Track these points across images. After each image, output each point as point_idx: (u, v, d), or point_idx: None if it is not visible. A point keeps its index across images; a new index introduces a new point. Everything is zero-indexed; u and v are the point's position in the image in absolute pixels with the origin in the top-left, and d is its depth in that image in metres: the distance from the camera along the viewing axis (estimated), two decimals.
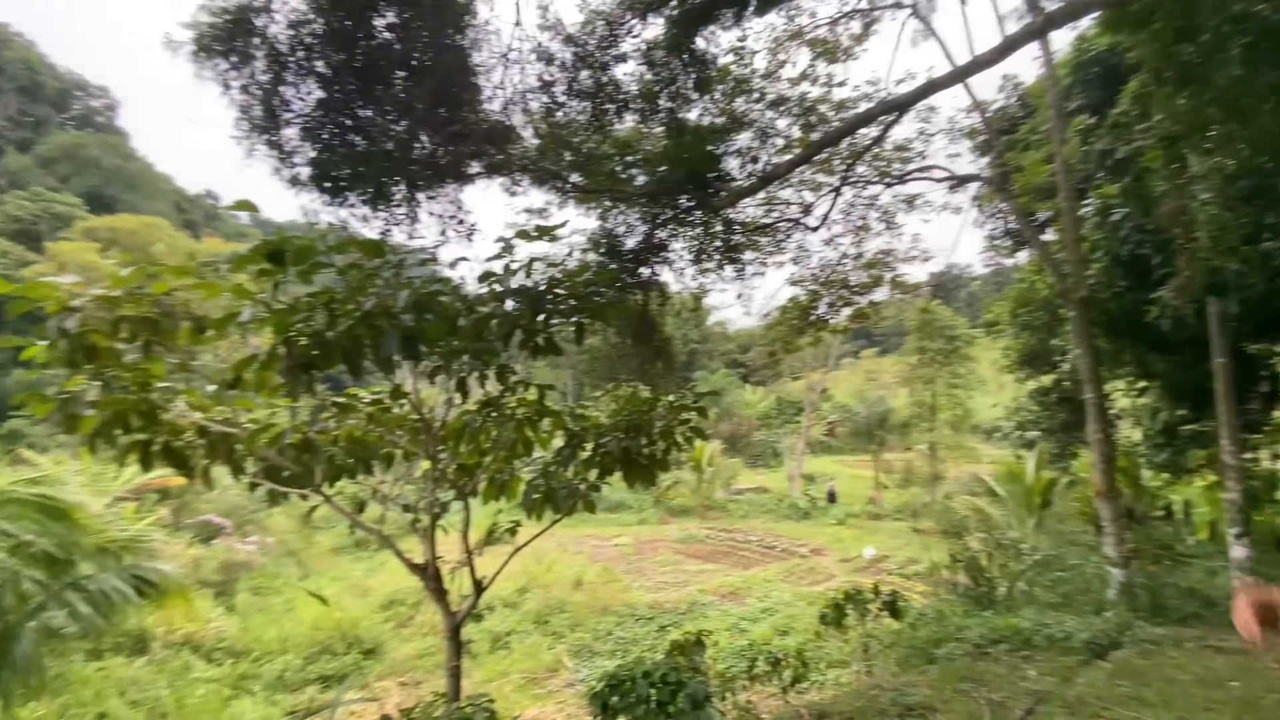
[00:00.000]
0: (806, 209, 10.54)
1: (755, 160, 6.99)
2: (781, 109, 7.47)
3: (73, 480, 13.06)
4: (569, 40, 6.04)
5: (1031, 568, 7.51)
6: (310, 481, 4.13)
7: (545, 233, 3.62)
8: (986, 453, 27.70)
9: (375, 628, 13.75)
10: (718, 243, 7.33)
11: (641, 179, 6.62)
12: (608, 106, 6.16)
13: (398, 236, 6.00)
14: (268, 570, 16.83)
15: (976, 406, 30.49)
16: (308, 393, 3.35)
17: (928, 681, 4.22)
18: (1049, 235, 11.68)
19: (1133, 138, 6.92)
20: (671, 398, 4.95)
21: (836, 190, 8.67)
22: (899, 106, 7.33)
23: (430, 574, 4.50)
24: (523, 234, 3.61)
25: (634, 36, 6.07)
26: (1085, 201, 8.39)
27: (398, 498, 4.69)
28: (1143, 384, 10.18)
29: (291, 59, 4.79)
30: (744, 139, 6.88)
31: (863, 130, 8.09)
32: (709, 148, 6.01)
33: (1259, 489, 9.36)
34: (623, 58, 6.16)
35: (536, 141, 6.75)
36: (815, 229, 9.18)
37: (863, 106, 7.96)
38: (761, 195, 9.61)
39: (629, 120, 6.94)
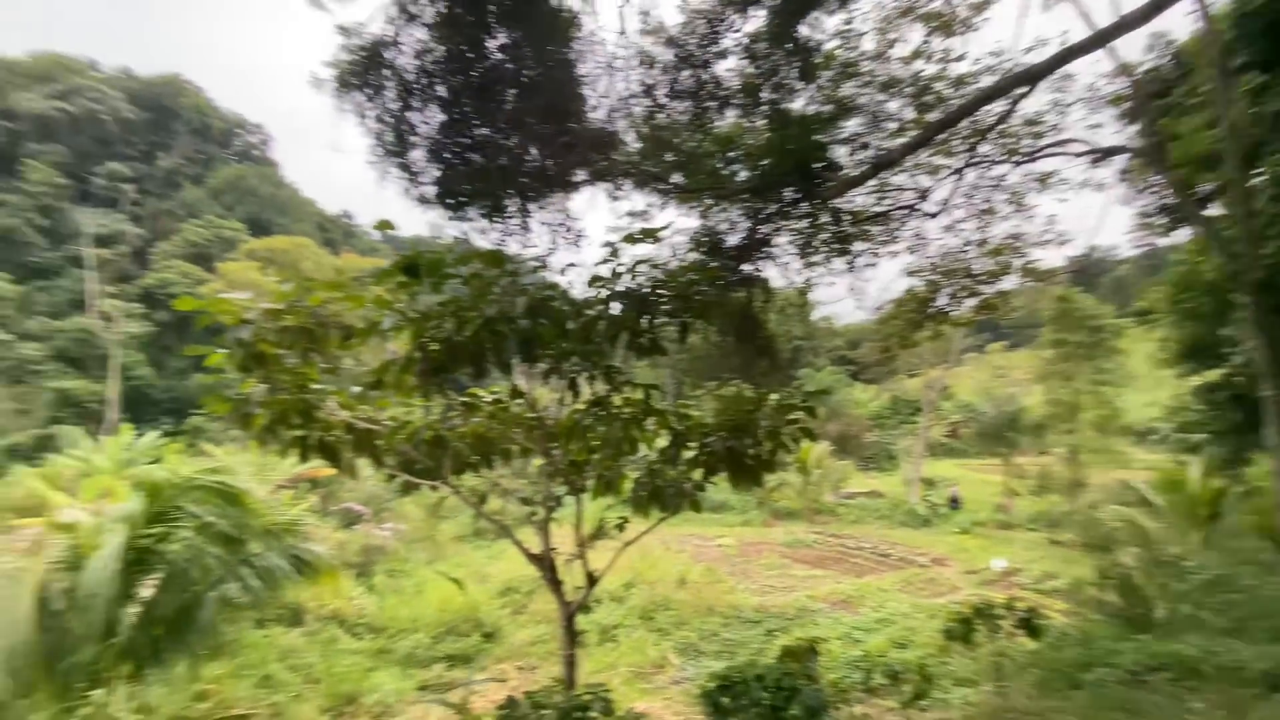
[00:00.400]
0: (923, 194, 9.88)
1: (865, 147, 6.65)
2: (893, 91, 7.05)
3: (242, 470, 15.04)
4: (670, 42, 6.08)
5: (1197, 588, 6.54)
6: (439, 474, 4.50)
7: (649, 235, 3.69)
8: (1139, 458, 24.55)
9: (494, 613, 14.60)
10: (825, 235, 7.05)
11: (744, 174, 6.53)
12: (709, 104, 6.13)
13: (512, 246, 6.36)
14: (400, 554, 18.38)
15: (1127, 406, 27.07)
16: (439, 393, 3.66)
17: (1074, 709, 3.82)
18: (1214, 210, 10.16)
19: None
20: (778, 397, 4.86)
21: (958, 173, 8.05)
22: (1030, 79, 6.67)
23: (546, 564, 4.74)
24: (628, 238, 3.71)
25: (735, 31, 6.00)
26: (1257, 171, 7.22)
27: (516, 491, 4.98)
28: None
29: (417, 86, 5.22)
30: (852, 125, 6.57)
31: (987, 107, 7.45)
32: (815, 137, 5.81)
33: None
34: (723, 54, 6.10)
35: (638, 145, 6.86)
36: (934, 215, 8.58)
37: (985, 81, 7.32)
38: (873, 183, 9.15)
39: (730, 116, 6.87)
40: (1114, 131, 10.12)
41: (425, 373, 3.39)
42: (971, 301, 11.35)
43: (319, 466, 5.89)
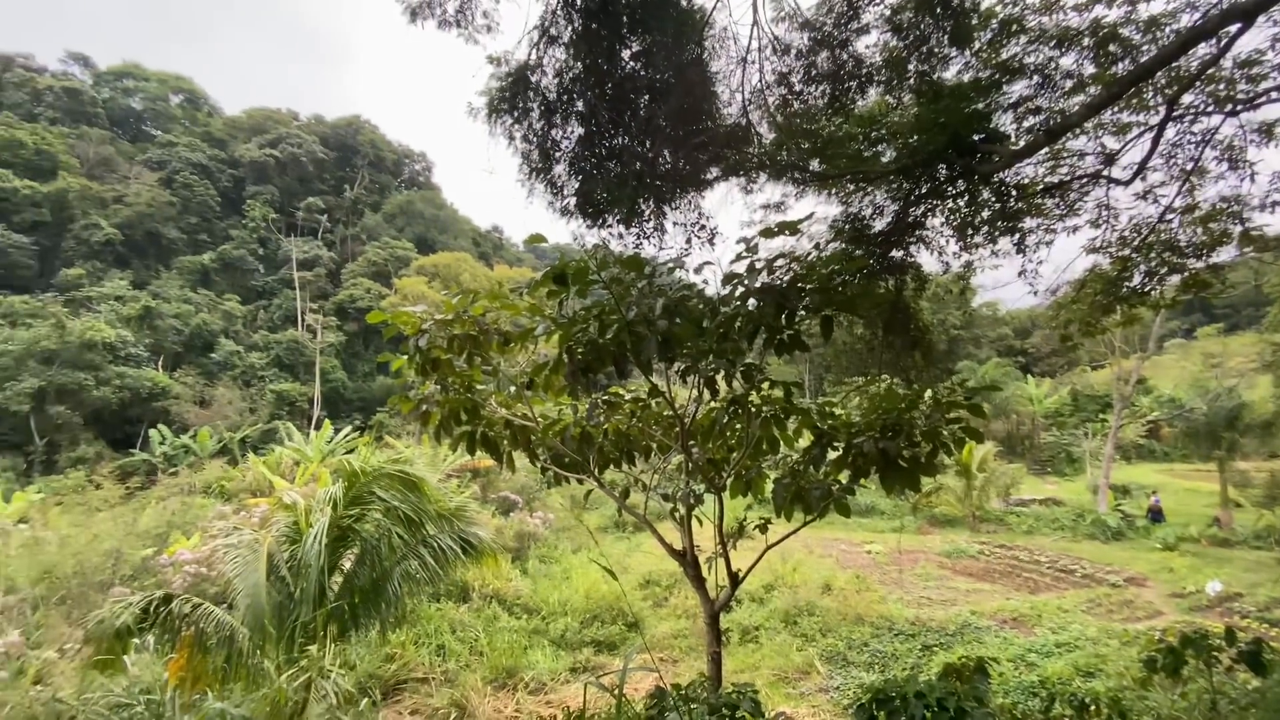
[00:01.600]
0: (1110, 158, 8.58)
1: (1037, 112, 5.89)
2: (1068, 45, 6.16)
3: (418, 461, 16.95)
4: (805, 25, 5.83)
5: None
6: (586, 468, 4.75)
7: (787, 228, 3.58)
8: None
9: (635, 604, 15.08)
10: (987, 213, 6.35)
11: (890, 155, 6.09)
12: (849, 85, 5.79)
13: (648, 249, 6.51)
14: (549, 542, 19.64)
15: None
16: (585, 392, 3.88)
17: None
18: None
19: None
20: (936, 393, 4.50)
21: (1158, 130, 6.89)
22: (1245, 13, 5.47)
23: (690, 560, 4.80)
24: (766, 232, 3.63)
25: (877, 4, 5.60)
26: None
27: (657, 487, 5.10)
28: None
29: (558, 104, 5.54)
30: (1019, 89, 5.84)
31: (1190, 52, 6.23)
32: (972, 107, 5.26)
33: None
34: (865, 29, 5.72)
35: (772, 135, 6.67)
36: (1127, 183, 7.41)
37: (1185, 21, 6.13)
38: (1045, 150, 8.15)
39: (872, 95, 6.44)
40: None
41: (573, 374, 3.60)
42: (1174, 279, 9.62)
43: (481, 459, 6.48)
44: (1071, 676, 11.83)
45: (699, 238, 7.41)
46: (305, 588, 6.97)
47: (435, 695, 10.68)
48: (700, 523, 4.96)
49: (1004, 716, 5.53)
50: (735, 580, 4.74)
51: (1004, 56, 6.33)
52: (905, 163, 5.50)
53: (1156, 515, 22.79)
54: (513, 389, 4.49)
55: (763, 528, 5.06)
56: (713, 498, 5.05)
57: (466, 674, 11.34)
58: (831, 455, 4.57)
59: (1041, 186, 7.11)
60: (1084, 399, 35.04)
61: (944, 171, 5.52)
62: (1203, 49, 6.43)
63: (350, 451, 22.90)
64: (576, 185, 5.90)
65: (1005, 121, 5.84)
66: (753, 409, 4.58)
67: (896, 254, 6.28)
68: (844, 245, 6.10)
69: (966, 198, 5.71)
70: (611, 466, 5.18)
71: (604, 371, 3.76)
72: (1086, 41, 6.57)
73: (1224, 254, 10.06)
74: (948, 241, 7.17)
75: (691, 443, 4.82)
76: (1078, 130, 7.90)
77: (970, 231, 6.26)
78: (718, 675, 4.88)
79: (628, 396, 5.04)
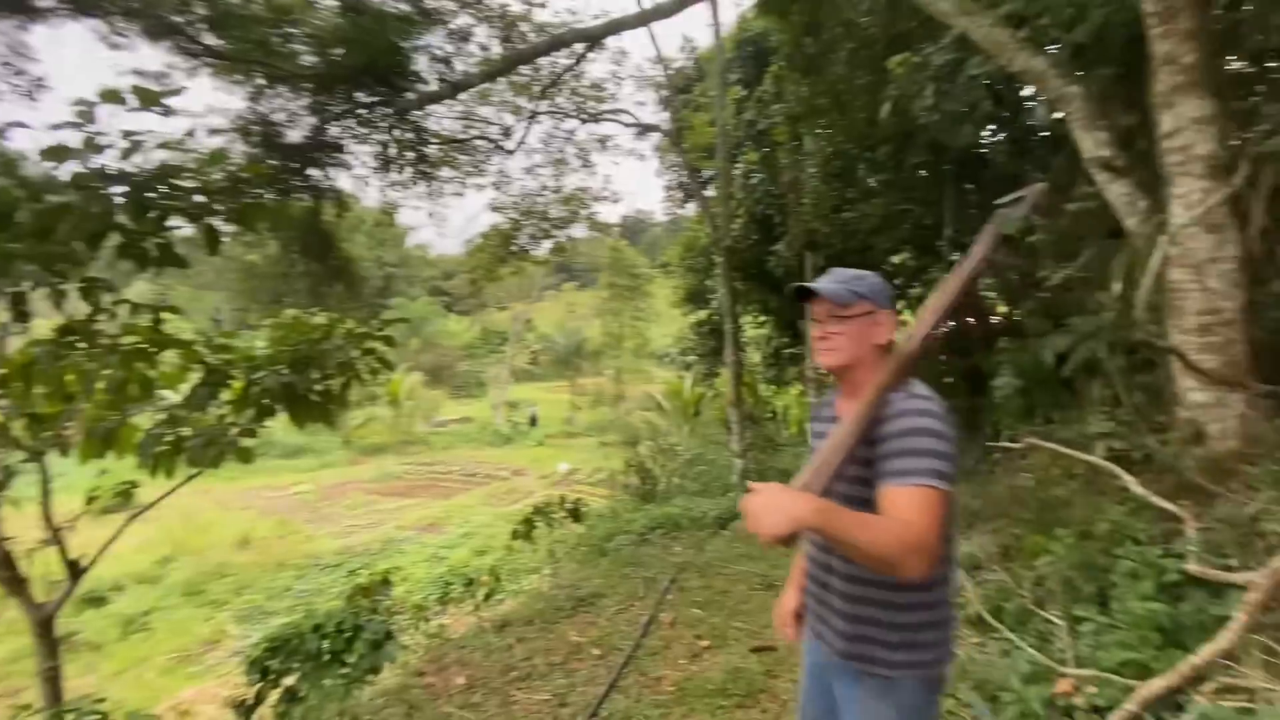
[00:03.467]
0: (506, 132, 10.26)
1: (448, 64, 6.39)
2: (479, 13, 6.93)
3: None
4: None
5: (683, 465, 9.18)
6: None
7: (150, 100, 2.71)
8: (660, 375, 32.34)
9: None
10: (407, 151, 6.59)
11: (310, 59, 5.47)
12: None
13: None
14: None
15: (653, 336, 35.10)
16: None
17: (600, 572, 4.83)
18: (710, 192, 13.67)
19: (770, 114, 8.41)
20: (351, 325, 4.42)
21: (532, 115, 8.59)
22: (588, 38, 7.49)
23: None
24: (111, 94, 2.64)
25: None
26: (736, 165, 9.99)
27: None
28: (763, 318, 12.92)
29: None
30: (436, 39, 6.22)
31: (559, 59, 8.09)
32: (393, 37, 5.25)
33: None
34: None
35: None
36: (511, 152, 9.03)
37: (557, 31, 7.95)
38: (460, 109, 8.98)
39: None
40: (653, 112, 12.41)
41: None
42: (548, 243, 12.62)
43: None
44: (470, 560, 14.33)
45: (13, 85, 4.97)
46: None
47: None
48: (18, 506, 3.48)
49: (411, 612, 6.25)
50: (77, 571, 3.56)
51: (427, 5, 6.58)
52: (324, 71, 5.05)
53: (534, 421, 30.08)
54: None
55: (127, 494, 3.96)
56: (39, 467, 3.60)
57: None
58: (228, 394, 3.92)
59: (454, 140, 7.85)
60: (491, 334, 42.55)
61: (365, 95, 5.36)
62: (565, 59, 8.35)
63: None
64: None
65: (423, 65, 6.12)
66: (106, 341, 3.43)
67: (315, 172, 5.80)
68: (248, 147, 5.20)
69: (387, 131, 5.75)
70: None
71: None
72: (494, 19, 7.53)
73: (578, 229, 13.59)
74: (371, 172, 7.15)
75: None
76: (483, 99, 9.09)
77: (391, 166, 6.38)
78: (56, 695, 3.63)
79: None
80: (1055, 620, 2.94)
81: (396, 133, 6.08)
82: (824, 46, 6.84)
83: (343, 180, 6.13)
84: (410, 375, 27.55)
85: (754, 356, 13.83)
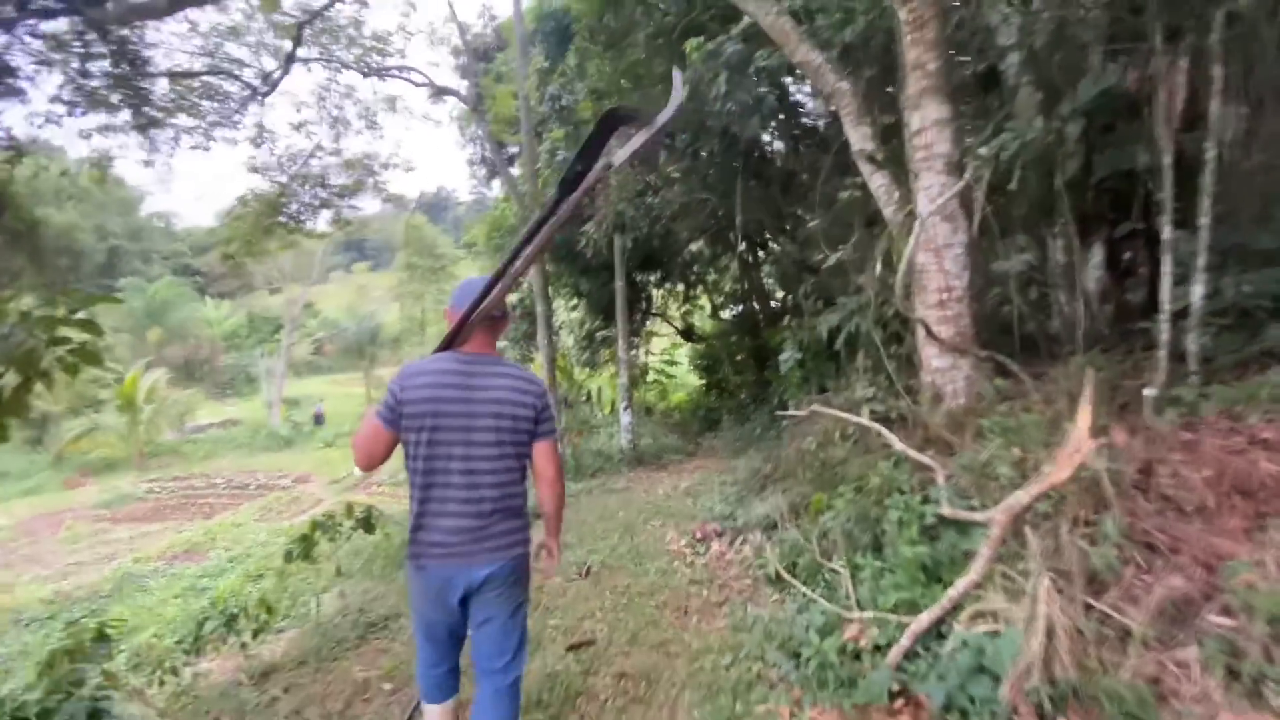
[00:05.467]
0: (268, 78, 8.69)
1: None
2: None
3: None
4: None
5: None
6: None
7: None
8: None
9: None
10: (120, 87, 5.11)
11: None
12: None
13: None
14: None
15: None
16: None
17: (397, 589, 4.29)
18: (515, 170, 13.12)
19: (574, 91, 8.21)
20: (27, 306, 3.28)
21: (290, 57, 7.37)
22: None
23: None
24: None
25: None
26: (543, 140, 9.65)
27: None
28: (575, 301, 12.86)
29: None
30: None
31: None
32: None
33: (638, 375, 13.34)
34: None
35: None
36: (264, 95, 7.68)
37: None
38: (201, 43, 7.39)
39: None
40: (451, 78, 11.48)
41: None
42: (326, 214, 11.05)
43: None
44: (243, 587, 12.28)
45: None
46: None
47: None
48: None
49: (153, 663, 5.02)
50: None
51: None
52: None
53: (319, 419, 26.70)
54: None
55: None
56: None
57: None
58: None
59: (192, 75, 6.40)
60: (260, 321, 36.64)
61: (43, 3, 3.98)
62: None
63: None
64: None
65: None
66: None
67: None
68: None
69: (82, 51, 4.35)
70: None
71: None
72: None
73: (369, 204, 12.05)
74: (66, 108, 5.44)
75: None
76: (238, 38, 7.57)
77: (93, 101, 4.90)
78: None
79: None
80: (839, 570, 3.23)
81: (98, 57, 4.64)
82: (624, 25, 6.81)
83: (16, 119, 4.52)
84: (151, 373, 22.59)
85: (568, 340, 13.71)
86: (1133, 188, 4.16)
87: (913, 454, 3.30)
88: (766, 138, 7.41)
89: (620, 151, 1.63)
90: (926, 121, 3.66)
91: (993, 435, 3.10)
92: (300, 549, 5.05)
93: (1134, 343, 4.24)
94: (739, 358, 11.97)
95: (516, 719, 1.89)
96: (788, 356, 5.80)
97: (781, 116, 6.69)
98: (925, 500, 3.00)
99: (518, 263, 1.80)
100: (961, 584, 2.40)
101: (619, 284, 9.44)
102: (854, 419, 3.92)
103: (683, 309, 13.93)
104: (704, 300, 13.76)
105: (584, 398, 14.07)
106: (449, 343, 1.83)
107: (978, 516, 2.55)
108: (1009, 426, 3.02)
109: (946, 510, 2.74)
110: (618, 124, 1.76)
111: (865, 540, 3.21)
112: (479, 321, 1.80)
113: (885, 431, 3.58)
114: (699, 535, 4.94)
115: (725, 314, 13.41)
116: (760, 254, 11.19)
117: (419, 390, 1.75)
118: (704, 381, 13.17)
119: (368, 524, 5.19)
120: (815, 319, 5.50)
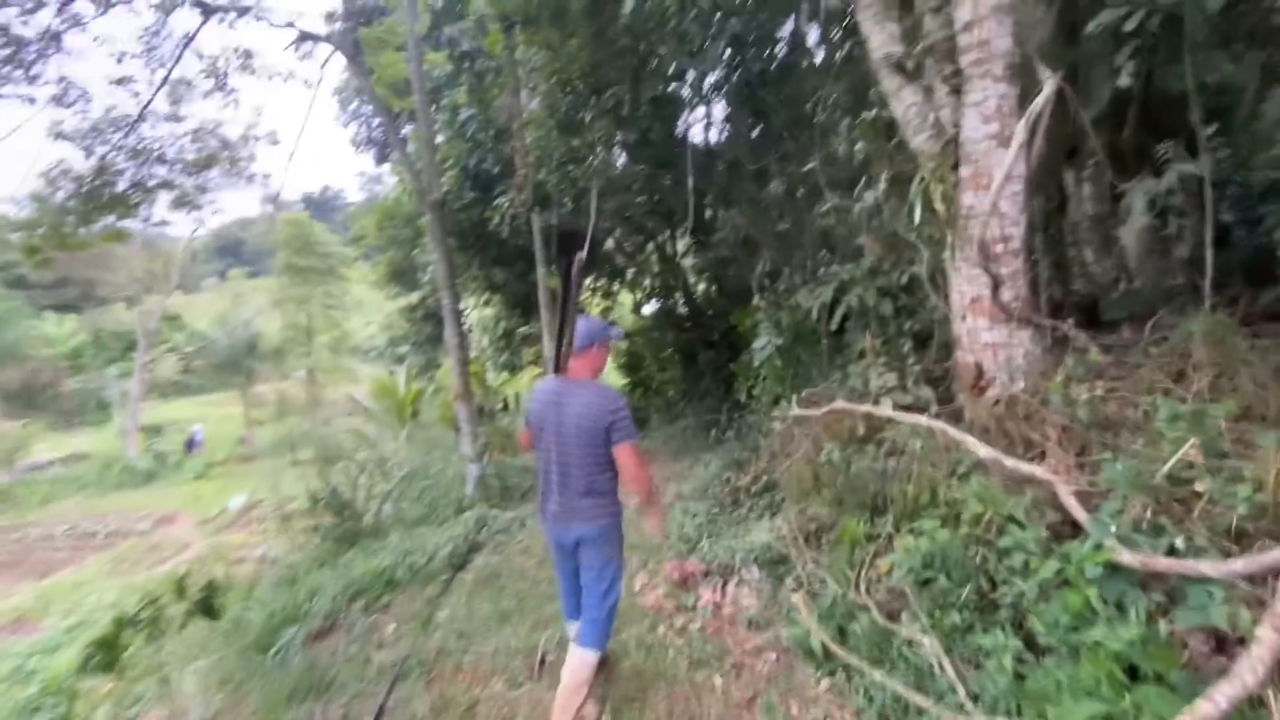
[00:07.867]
0: (76, 19, 6.65)
1: None
2: None
3: None
4: None
5: (399, 483, 7.16)
6: None
7: None
8: (366, 373, 27.94)
9: None
10: None
11: None
12: None
13: None
14: None
15: (354, 328, 30.12)
16: None
17: (248, 712, 2.83)
18: (410, 147, 11.40)
19: (474, 32, 6.81)
20: None
21: None
22: None
23: None
24: None
25: None
26: (441, 102, 8.14)
27: None
28: (487, 297, 11.36)
29: None
30: None
31: None
32: None
33: None
34: None
35: None
36: (57, 37, 5.79)
37: None
38: None
39: None
40: (321, 23, 9.55)
41: None
42: (168, 195, 8.87)
43: None
44: (82, 665, 9.82)
45: None
46: None
47: None
48: None
49: None
50: None
51: None
52: None
53: (192, 447, 23.10)
54: None
55: None
56: None
57: None
58: None
59: None
60: (109, 337, 31.55)
61: None
62: None
63: None
64: None
65: None
66: None
67: None
68: None
69: None
70: None
71: None
72: None
73: (234, 195, 9.89)
74: None
75: None
76: None
77: None
78: None
79: None
80: (921, 640, 2.20)
81: None
82: None
83: None
84: None
85: (481, 341, 12.12)
86: (1180, 117, 3.47)
87: (1010, 462, 2.32)
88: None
89: None
90: (983, 9, 2.70)
91: (1151, 429, 2.16)
92: (103, 660, 3.47)
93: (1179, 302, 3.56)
94: (663, 354, 11.04)
95: (595, 643, 2.39)
96: (764, 343, 4.76)
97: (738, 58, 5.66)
98: (1067, 537, 2.01)
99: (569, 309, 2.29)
100: (1222, 693, 1.41)
101: (540, 272, 8.11)
102: (907, 417, 2.91)
103: (604, 306, 12.74)
104: (624, 296, 12.65)
105: (503, 406, 12.53)
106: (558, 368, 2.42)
107: (1220, 568, 1.57)
108: (1179, 414, 2.08)
109: (1127, 556, 1.76)
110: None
111: (963, 595, 2.20)
112: (570, 354, 2.38)
113: (955, 432, 2.59)
114: (678, 577, 3.80)
115: (645, 309, 12.37)
116: (678, 246, 10.25)
117: (534, 405, 2.46)
118: (627, 381, 12.09)
119: (208, 605, 3.64)
120: (799, 294, 4.50)
